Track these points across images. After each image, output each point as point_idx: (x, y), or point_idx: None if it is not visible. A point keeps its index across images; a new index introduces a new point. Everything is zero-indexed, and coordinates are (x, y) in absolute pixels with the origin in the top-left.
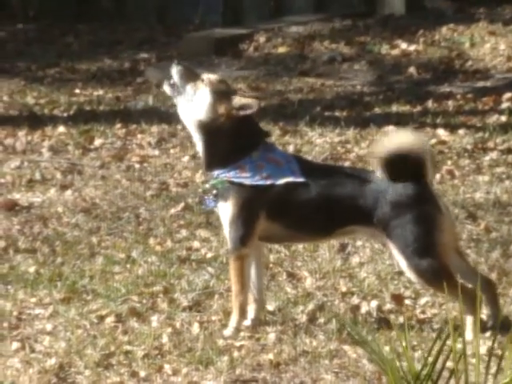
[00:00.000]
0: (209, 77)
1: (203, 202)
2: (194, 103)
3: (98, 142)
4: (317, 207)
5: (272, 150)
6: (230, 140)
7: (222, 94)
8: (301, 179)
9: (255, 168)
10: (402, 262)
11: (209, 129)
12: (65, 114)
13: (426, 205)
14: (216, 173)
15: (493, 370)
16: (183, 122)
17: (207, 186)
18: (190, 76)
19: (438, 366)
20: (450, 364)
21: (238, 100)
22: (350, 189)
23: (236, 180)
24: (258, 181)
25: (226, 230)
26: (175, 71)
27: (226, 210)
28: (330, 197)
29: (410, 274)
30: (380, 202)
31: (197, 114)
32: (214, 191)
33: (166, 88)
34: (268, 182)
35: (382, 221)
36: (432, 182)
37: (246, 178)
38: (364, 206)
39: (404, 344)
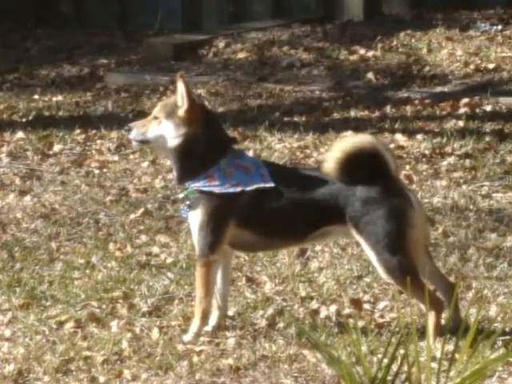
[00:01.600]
0: (157, 111)
1: (179, 212)
2: (161, 140)
3: (57, 147)
4: (289, 212)
5: (241, 156)
6: (198, 151)
7: (173, 114)
8: (271, 184)
9: (224, 175)
10: (372, 257)
11: (180, 148)
12: (24, 120)
13: (396, 199)
14: (187, 184)
15: (450, 373)
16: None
17: (180, 196)
18: (143, 124)
19: (397, 369)
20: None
21: (181, 103)
22: (322, 190)
23: (206, 189)
24: (227, 188)
25: (195, 237)
26: (132, 136)
27: (195, 218)
28: (302, 200)
29: (378, 269)
30: (351, 200)
31: (169, 144)
32: (187, 202)
33: (136, 144)
34: (238, 189)
35: (354, 218)
36: (399, 178)
37: (216, 186)
38: (336, 206)
39: (361, 348)
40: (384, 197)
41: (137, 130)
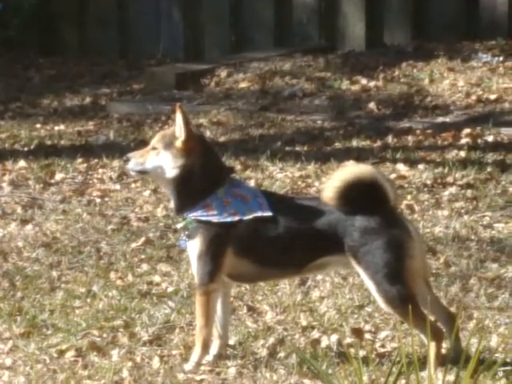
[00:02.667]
0: (155, 142)
1: (178, 243)
2: (159, 171)
3: (58, 176)
4: (287, 241)
5: (238, 185)
6: (196, 181)
7: (171, 145)
8: (268, 213)
9: (221, 205)
10: (371, 288)
11: (178, 178)
12: (25, 149)
13: (395, 230)
14: (185, 214)
15: None
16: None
17: (179, 227)
18: (141, 155)
19: None
20: None
21: (179, 134)
22: (320, 220)
23: (203, 218)
24: (225, 218)
25: (194, 266)
26: (130, 166)
27: (193, 247)
28: (301, 230)
29: (378, 300)
30: (349, 230)
31: (167, 175)
32: (186, 232)
33: (134, 174)
34: (236, 218)
35: (352, 248)
36: (398, 208)
37: (214, 216)
38: (334, 236)
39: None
40: (383, 227)
41: (135, 161)
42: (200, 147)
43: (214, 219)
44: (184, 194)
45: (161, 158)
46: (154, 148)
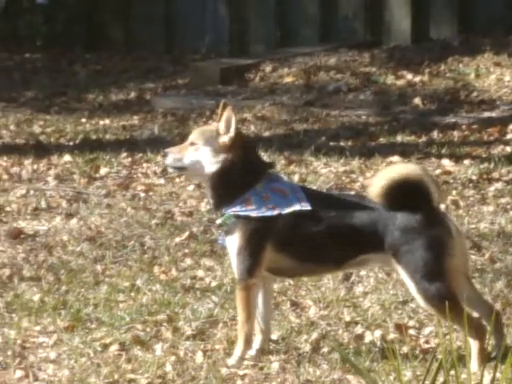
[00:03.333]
0: (194, 137)
1: (218, 239)
2: (198, 166)
3: (103, 170)
4: (326, 237)
5: (277, 180)
6: (234, 176)
7: (211, 141)
8: (307, 207)
9: (261, 199)
10: (411, 287)
11: (217, 174)
12: (71, 143)
13: (435, 229)
14: (224, 209)
15: None
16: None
17: (217, 223)
18: (179, 150)
19: None
20: None
21: (226, 129)
22: (360, 217)
23: (242, 213)
24: (264, 212)
25: (234, 262)
26: (167, 162)
27: (233, 243)
28: (340, 226)
29: (418, 299)
30: (390, 228)
31: (206, 171)
32: (225, 228)
33: (172, 171)
34: (275, 213)
35: (393, 247)
36: (441, 207)
37: (253, 210)
38: (375, 233)
39: (401, 375)
40: (424, 226)
41: (173, 156)
42: (241, 143)
43: (253, 214)
44: (222, 190)
45: (200, 154)
46: (192, 143)
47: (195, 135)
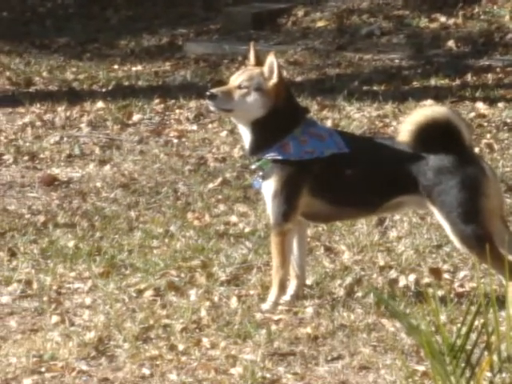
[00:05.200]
0: (242, 80)
1: (252, 183)
2: (246, 110)
3: (136, 117)
4: (362, 180)
5: (313, 124)
6: (277, 121)
7: (261, 86)
8: (345, 150)
9: (299, 144)
10: (446, 228)
11: (263, 119)
12: (103, 90)
13: (469, 169)
14: (261, 154)
15: None
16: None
17: (253, 167)
18: (228, 93)
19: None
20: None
21: (270, 74)
22: (395, 158)
23: (281, 157)
24: (303, 156)
25: (269, 207)
26: (215, 103)
27: (269, 187)
28: (376, 168)
29: (453, 240)
30: (424, 169)
31: (254, 115)
32: (260, 172)
33: (217, 112)
34: (314, 156)
35: (427, 188)
36: (474, 149)
37: (291, 155)
38: (409, 175)
39: (439, 317)
40: (457, 166)
41: (222, 98)
42: (284, 89)
43: (292, 158)
44: (263, 134)
45: (251, 98)
46: (241, 87)
47: (244, 78)
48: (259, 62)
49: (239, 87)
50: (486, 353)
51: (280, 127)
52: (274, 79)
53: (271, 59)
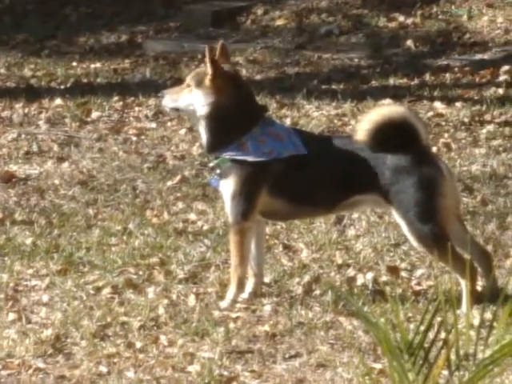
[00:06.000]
0: (189, 79)
1: (210, 182)
2: (191, 108)
3: (95, 114)
4: (320, 180)
5: (272, 124)
6: (230, 120)
7: (202, 83)
8: (303, 152)
9: (257, 144)
10: (403, 227)
11: (209, 116)
12: (62, 87)
13: (426, 168)
14: (218, 153)
15: (489, 341)
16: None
17: (210, 165)
18: (176, 92)
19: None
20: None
21: (210, 70)
22: (353, 158)
23: (239, 157)
24: (260, 156)
25: (228, 206)
26: (164, 102)
27: (227, 187)
28: (334, 168)
29: (411, 238)
30: (381, 169)
31: (199, 113)
32: (218, 170)
33: (168, 111)
34: (272, 157)
35: (384, 187)
36: (431, 148)
37: (249, 155)
38: (367, 174)
39: (399, 314)
40: (414, 166)
41: (169, 97)
42: (231, 85)
43: (249, 158)
44: (217, 133)
45: (193, 96)
46: (188, 85)
47: (190, 77)
48: (226, 60)
49: (187, 86)
50: (443, 350)
51: (236, 125)
52: (209, 73)
53: (206, 53)
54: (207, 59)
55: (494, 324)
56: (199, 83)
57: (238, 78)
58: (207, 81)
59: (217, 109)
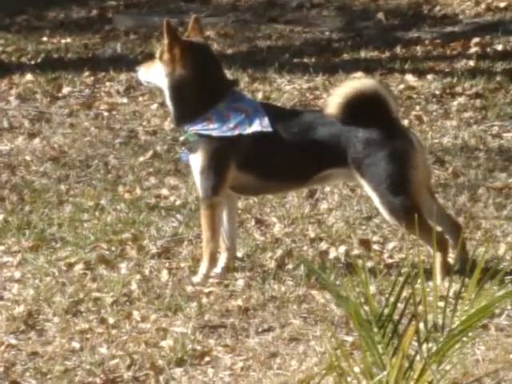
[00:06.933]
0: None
1: (180, 156)
2: (155, 80)
3: (66, 89)
4: (289, 155)
5: (240, 98)
6: (196, 93)
7: (163, 55)
8: (268, 129)
9: (222, 119)
10: (375, 200)
11: (171, 88)
12: (32, 62)
13: (397, 141)
14: (186, 127)
15: (457, 311)
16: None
17: (180, 139)
18: (148, 65)
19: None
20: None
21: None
22: (322, 132)
23: (204, 132)
24: (225, 132)
25: (197, 180)
26: (139, 76)
27: (196, 161)
28: (303, 143)
29: (382, 211)
30: (352, 142)
31: (160, 84)
32: (187, 145)
33: (143, 84)
34: (235, 133)
35: (356, 160)
36: (401, 121)
37: (214, 130)
38: (338, 148)
39: (369, 287)
40: (386, 139)
41: (142, 71)
42: (192, 56)
43: (214, 133)
44: (182, 106)
45: (156, 68)
46: (155, 58)
47: (158, 50)
48: (199, 34)
49: (155, 59)
50: (413, 322)
51: (201, 99)
52: (165, 44)
53: (164, 23)
54: (164, 30)
55: (463, 295)
56: (161, 55)
57: (203, 51)
58: (165, 52)
59: (177, 81)
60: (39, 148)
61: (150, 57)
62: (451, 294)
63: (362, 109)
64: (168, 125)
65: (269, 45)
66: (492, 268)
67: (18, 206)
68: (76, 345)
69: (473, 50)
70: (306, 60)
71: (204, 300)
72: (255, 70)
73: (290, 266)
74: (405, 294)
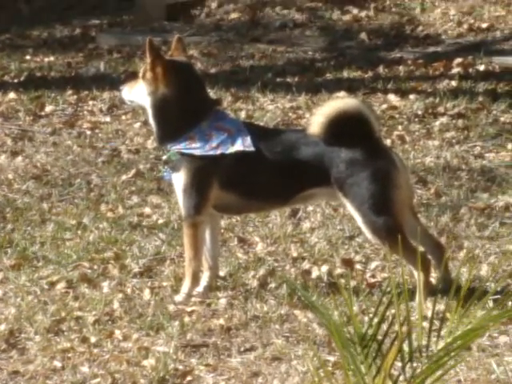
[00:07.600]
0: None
1: (163, 175)
2: (138, 99)
3: (48, 108)
4: (272, 174)
5: (222, 118)
6: (179, 112)
7: (145, 73)
8: (251, 149)
9: (205, 138)
10: (358, 219)
11: (154, 107)
12: (15, 81)
13: (380, 161)
14: (168, 146)
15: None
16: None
17: (163, 158)
18: (132, 84)
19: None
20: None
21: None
22: (306, 152)
23: (186, 151)
24: (207, 151)
25: (180, 199)
26: (122, 95)
27: (178, 180)
28: (286, 162)
29: (365, 231)
30: (335, 161)
31: (143, 103)
32: (170, 164)
33: (128, 104)
34: (218, 152)
35: (338, 180)
36: (384, 141)
37: (196, 149)
38: (320, 167)
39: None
40: (368, 158)
41: (126, 90)
42: (174, 75)
43: (196, 152)
44: (165, 125)
45: (138, 86)
46: (138, 77)
47: (141, 69)
48: (182, 53)
49: (139, 78)
50: (396, 342)
51: (185, 119)
52: (148, 63)
53: (146, 42)
54: (147, 49)
55: (447, 315)
56: (143, 74)
57: (185, 69)
58: (148, 71)
59: (160, 99)
60: (22, 166)
61: (132, 75)
62: (435, 314)
63: (345, 128)
64: (151, 143)
65: (252, 64)
66: (477, 289)
67: None
68: (58, 364)
69: (455, 70)
70: (288, 79)
71: (186, 319)
72: (238, 89)
73: (273, 285)
74: (388, 314)
